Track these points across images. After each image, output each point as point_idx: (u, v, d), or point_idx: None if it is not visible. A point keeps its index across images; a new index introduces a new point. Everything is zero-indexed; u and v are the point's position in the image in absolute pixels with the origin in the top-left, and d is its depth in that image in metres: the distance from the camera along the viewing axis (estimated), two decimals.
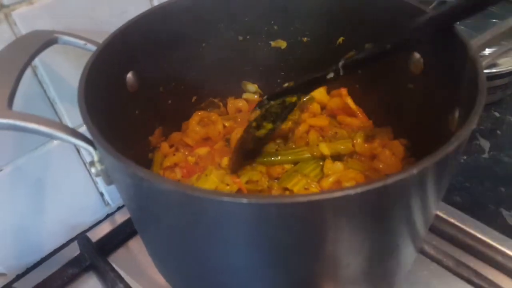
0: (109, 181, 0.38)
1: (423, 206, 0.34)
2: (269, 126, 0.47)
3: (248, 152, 0.50)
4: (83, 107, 0.35)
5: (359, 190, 0.27)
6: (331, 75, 0.44)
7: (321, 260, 0.33)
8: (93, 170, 0.38)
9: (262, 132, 0.47)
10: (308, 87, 0.46)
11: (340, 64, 0.43)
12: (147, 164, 0.54)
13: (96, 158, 0.37)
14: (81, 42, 0.45)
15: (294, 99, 0.46)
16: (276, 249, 0.31)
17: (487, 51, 0.41)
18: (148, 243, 0.42)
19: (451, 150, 0.29)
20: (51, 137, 0.35)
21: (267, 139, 0.50)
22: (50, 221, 0.59)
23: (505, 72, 0.70)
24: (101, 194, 0.63)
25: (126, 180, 0.33)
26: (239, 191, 0.48)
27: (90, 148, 0.36)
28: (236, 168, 0.50)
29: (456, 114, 0.39)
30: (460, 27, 0.39)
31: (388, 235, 0.34)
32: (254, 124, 0.48)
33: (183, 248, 0.36)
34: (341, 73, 0.43)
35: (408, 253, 0.40)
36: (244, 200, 0.27)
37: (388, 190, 0.28)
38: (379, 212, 0.30)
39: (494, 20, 0.56)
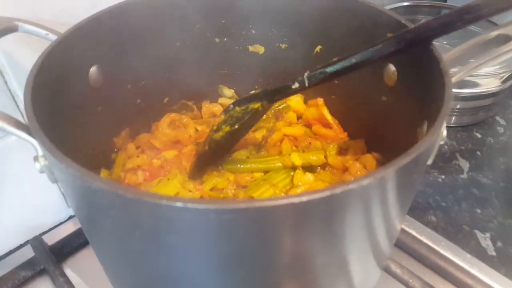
0: (53, 179, 0.36)
1: (382, 219, 0.32)
2: (227, 128, 0.46)
3: (206, 157, 0.48)
4: (27, 96, 0.33)
5: (304, 198, 0.25)
6: (296, 85, 0.43)
7: (269, 273, 0.30)
8: (37, 165, 0.35)
9: (219, 135, 0.46)
10: (274, 95, 0.45)
11: (306, 75, 0.42)
12: (109, 165, 0.51)
13: (40, 153, 0.35)
14: (43, 32, 0.43)
15: (257, 105, 0.45)
16: (219, 257, 0.29)
17: (461, 66, 0.40)
18: (93, 246, 0.40)
19: (407, 161, 0.28)
20: None
21: (227, 144, 0.48)
22: (7, 221, 0.56)
23: (487, 93, 0.69)
24: (63, 195, 0.60)
25: (62, 177, 0.30)
26: (201, 198, 0.45)
27: (33, 141, 0.34)
28: (194, 174, 0.48)
29: (425, 127, 0.38)
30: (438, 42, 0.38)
31: (343, 247, 0.31)
32: (214, 127, 0.47)
33: (126, 253, 0.34)
34: (307, 84, 0.42)
35: (370, 269, 0.38)
36: (179, 204, 0.25)
37: (337, 199, 0.26)
38: (329, 223, 0.28)
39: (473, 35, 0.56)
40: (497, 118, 0.75)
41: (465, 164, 0.68)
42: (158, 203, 0.25)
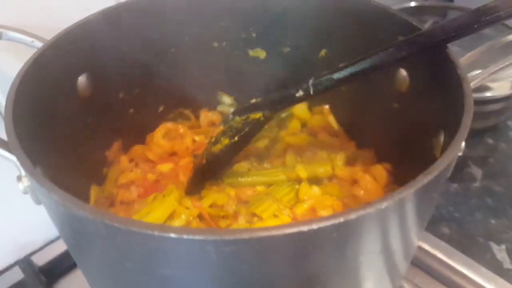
0: (37, 200, 0.32)
1: (400, 240, 0.29)
2: (226, 141, 0.43)
3: (204, 171, 0.45)
4: (8, 110, 0.30)
5: (314, 226, 0.22)
6: (300, 93, 0.40)
7: None
8: (20, 186, 0.32)
9: (217, 148, 0.43)
10: (276, 104, 0.42)
11: (310, 82, 0.39)
12: (101, 181, 0.48)
13: (23, 172, 0.32)
14: (28, 39, 0.40)
15: (258, 115, 0.42)
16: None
17: (478, 71, 0.37)
18: (83, 273, 0.36)
19: (427, 180, 0.25)
20: None
21: (226, 157, 0.45)
22: None
23: (499, 97, 0.66)
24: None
25: (46, 201, 0.27)
26: (200, 216, 0.42)
27: (16, 160, 0.31)
28: (191, 189, 0.45)
29: (441, 138, 0.35)
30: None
31: (357, 274, 0.28)
32: (213, 139, 0.44)
33: (117, 283, 0.30)
34: (312, 92, 0.39)
35: None
36: (173, 235, 0.21)
37: (351, 225, 0.23)
38: (342, 250, 0.25)
39: (487, 39, 0.53)
40: (509, 123, 0.72)
41: (477, 172, 0.65)
42: (150, 233, 0.22)
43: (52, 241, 0.57)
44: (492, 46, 0.38)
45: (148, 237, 0.22)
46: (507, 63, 0.36)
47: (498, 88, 0.66)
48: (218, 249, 0.22)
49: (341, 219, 0.22)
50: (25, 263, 0.50)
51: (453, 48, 0.36)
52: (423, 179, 0.24)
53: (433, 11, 0.86)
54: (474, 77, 0.36)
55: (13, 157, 0.30)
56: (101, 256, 0.27)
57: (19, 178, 0.32)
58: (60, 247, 0.55)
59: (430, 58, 0.37)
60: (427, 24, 0.84)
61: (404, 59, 0.37)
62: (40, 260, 0.53)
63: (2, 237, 0.53)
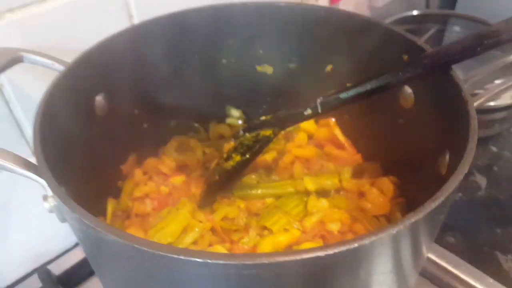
0: (62, 219, 0.34)
1: (411, 258, 0.31)
2: (237, 158, 0.44)
3: (216, 186, 0.46)
4: (36, 136, 0.32)
5: (330, 251, 0.23)
6: (308, 112, 0.41)
7: None
8: (46, 205, 0.34)
9: (229, 164, 0.44)
10: (286, 122, 0.43)
11: (319, 101, 0.41)
12: (117, 193, 0.50)
13: (49, 193, 0.33)
14: (49, 62, 0.42)
15: (269, 132, 0.43)
16: None
17: (480, 90, 0.38)
18: (102, 283, 0.38)
19: (437, 204, 0.26)
20: None
21: (237, 172, 0.47)
22: (14, 249, 0.54)
23: (502, 106, 0.67)
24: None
25: (74, 224, 0.29)
26: (212, 229, 0.44)
27: (43, 181, 0.33)
28: (203, 203, 0.47)
29: (446, 155, 0.36)
30: None
31: None
32: (225, 155, 0.45)
33: None
34: (320, 111, 0.40)
35: None
36: (198, 259, 0.23)
37: (365, 249, 0.25)
38: (356, 272, 0.27)
39: (497, 53, 0.54)
40: None
41: (482, 180, 0.66)
42: (176, 257, 0.24)
43: (68, 250, 0.59)
44: (495, 66, 0.39)
45: (174, 261, 0.24)
46: (510, 83, 0.37)
47: (501, 97, 0.68)
48: (239, 272, 0.24)
49: (355, 245, 0.24)
50: (43, 272, 0.52)
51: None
52: (432, 204, 0.26)
53: (435, 19, 0.87)
54: (478, 96, 0.37)
55: (42, 180, 0.32)
56: (126, 274, 0.29)
57: (45, 198, 0.34)
58: (76, 256, 0.57)
59: (435, 78, 0.38)
60: (431, 32, 0.86)
61: (409, 80, 0.39)
62: (57, 269, 0.54)
63: (20, 246, 0.55)
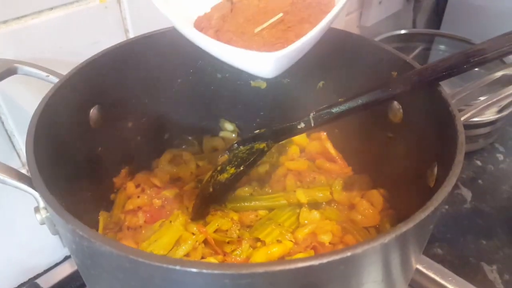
0: (54, 231, 0.34)
1: (400, 267, 0.31)
2: (232, 170, 0.45)
3: (210, 198, 0.47)
4: (29, 148, 0.32)
5: (324, 260, 0.24)
6: (302, 125, 0.42)
7: None
8: (37, 217, 0.34)
9: (224, 176, 0.45)
10: (279, 135, 0.44)
11: (311, 115, 0.42)
12: (109, 206, 0.50)
13: (41, 204, 0.33)
14: (43, 74, 0.42)
15: (262, 145, 0.44)
16: None
17: (469, 103, 0.40)
18: None
19: (426, 214, 0.27)
20: None
21: (231, 185, 0.47)
22: (1, 263, 0.53)
23: (487, 121, 0.70)
24: (59, 235, 0.58)
25: (67, 235, 0.29)
26: (205, 241, 0.44)
27: (35, 193, 0.33)
28: (196, 215, 0.47)
29: (435, 168, 0.38)
30: None
31: None
32: (219, 168, 0.46)
33: None
34: (313, 125, 0.41)
35: None
36: (194, 269, 0.23)
37: (358, 258, 0.25)
38: (348, 280, 0.27)
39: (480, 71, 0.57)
40: (496, 145, 0.76)
41: (467, 193, 0.67)
42: (172, 268, 0.24)
43: (57, 264, 0.58)
44: (480, 83, 0.41)
45: (169, 271, 0.24)
46: (494, 99, 0.39)
47: (485, 113, 0.70)
48: (235, 282, 0.24)
49: (348, 253, 0.24)
50: (31, 286, 0.51)
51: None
52: (422, 214, 0.27)
53: (421, 38, 0.90)
54: (463, 112, 0.39)
55: (34, 192, 0.31)
56: (120, 287, 0.29)
57: (36, 210, 0.34)
58: (65, 270, 0.56)
59: (423, 94, 0.40)
60: (417, 50, 0.89)
61: (398, 95, 0.40)
62: (45, 283, 0.53)
63: (7, 260, 0.54)
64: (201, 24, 0.34)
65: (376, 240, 0.25)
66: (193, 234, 0.44)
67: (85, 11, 0.47)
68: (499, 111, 0.69)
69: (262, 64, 0.30)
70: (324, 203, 0.51)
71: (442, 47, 0.88)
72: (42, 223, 0.34)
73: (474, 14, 0.97)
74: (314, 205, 0.50)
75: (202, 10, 0.35)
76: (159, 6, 0.32)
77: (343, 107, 0.41)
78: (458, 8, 1.01)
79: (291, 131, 0.44)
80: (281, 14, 0.33)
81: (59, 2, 0.45)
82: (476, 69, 0.38)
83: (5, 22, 0.43)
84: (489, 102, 0.40)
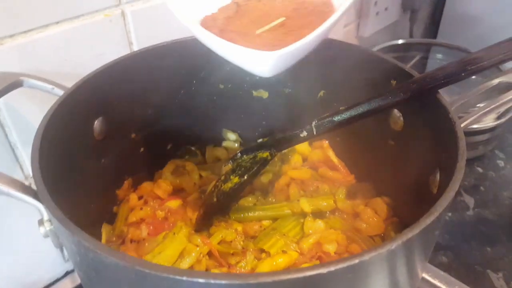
0: (58, 244, 0.34)
1: (407, 275, 0.31)
2: (236, 179, 0.45)
3: (214, 208, 0.47)
4: (35, 160, 0.32)
5: (332, 268, 0.24)
6: (304, 134, 0.43)
7: None
8: (41, 229, 0.34)
9: (228, 186, 0.45)
10: (282, 144, 0.45)
11: (314, 123, 0.42)
12: (112, 219, 0.49)
13: (45, 217, 0.33)
14: (49, 86, 0.42)
15: (266, 154, 0.44)
16: None
17: (468, 111, 0.40)
18: None
19: (431, 220, 0.27)
20: None
21: (235, 194, 0.47)
22: (1, 279, 0.53)
23: (485, 128, 0.70)
24: (61, 249, 0.57)
25: (72, 247, 0.29)
26: (209, 253, 0.44)
27: (39, 205, 0.33)
28: (200, 227, 0.47)
29: (437, 175, 0.38)
30: None
31: None
32: (222, 177, 0.46)
33: None
34: (315, 133, 0.42)
35: None
36: (201, 280, 0.23)
37: (365, 265, 0.25)
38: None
39: (478, 78, 0.58)
40: (496, 151, 0.76)
41: (470, 200, 0.67)
42: (179, 279, 0.24)
43: (57, 280, 0.58)
44: (477, 90, 0.42)
45: (176, 282, 0.24)
46: (492, 106, 0.39)
47: (484, 120, 0.71)
48: None
49: (356, 261, 0.24)
50: None
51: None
52: (427, 220, 0.27)
53: (419, 47, 0.92)
54: (462, 119, 0.39)
55: (39, 204, 0.31)
56: None
57: (40, 223, 0.34)
58: (65, 286, 0.56)
59: (422, 102, 0.40)
60: (415, 59, 0.90)
61: (398, 103, 0.41)
62: None
63: (7, 276, 0.53)
64: (207, 23, 0.35)
65: (383, 246, 0.25)
66: (197, 246, 0.44)
67: (90, 24, 0.48)
68: (497, 118, 0.70)
69: (260, 62, 0.31)
70: (328, 212, 0.51)
71: (439, 56, 0.89)
72: (46, 236, 0.34)
73: (469, 24, 0.99)
74: (318, 214, 0.50)
75: (210, 11, 0.36)
76: (169, 4, 0.33)
77: (344, 115, 0.41)
78: (453, 18, 1.03)
79: (294, 140, 0.44)
80: (283, 19, 0.34)
81: (65, 16, 0.46)
82: (473, 77, 0.39)
83: (11, 36, 0.44)
84: (487, 109, 0.40)
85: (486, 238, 0.62)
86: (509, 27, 0.84)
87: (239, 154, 0.46)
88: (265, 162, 0.45)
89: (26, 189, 0.33)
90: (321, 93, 0.54)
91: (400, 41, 0.89)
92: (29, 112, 0.48)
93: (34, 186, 0.32)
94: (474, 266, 0.58)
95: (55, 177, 0.35)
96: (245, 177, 0.44)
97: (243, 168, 0.45)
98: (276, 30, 0.34)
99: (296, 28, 0.32)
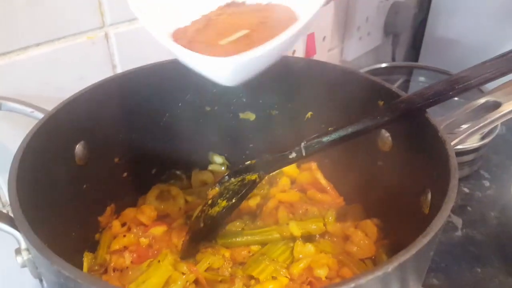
0: (36, 274, 0.32)
1: None
2: (223, 203, 0.44)
3: (200, 234, 0.45)
4: (12, 187, 0.30)
5: None
6: (293, 155, 0.42)
7: None
8: (18, 259, 0.32)
9: (215, 210, 0.44)
10: (271, 166, 0.44)
11: (302, 145, 0.42)
12: (93, 246, 0.47)
13: (23, 246, 0.31)
14: (28, 110, 0.41)
15: (254, 177, 0.44)
16: None
17: (453, 131, 0.41)
18: None
19: (426, 241, 0.27)
20: None
21: (222, 218, 0.46)
22: None
23: (470, 149, 0.71)
24: (40, 280, 0.54)
25: (52, 278, 0.27)
26: (196, 281, 0.42)
27: (17, 234, 0.31)
28: (186, 254, 0.45)
29: (428, 195, 0.37)
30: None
31: None
32: (209, 201, 0.44)
33: None
34: (304, 154, 0.42)
35: None
36: None
37: None
38: None
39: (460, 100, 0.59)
40: (482, 171, 0.77)
41: (458, 221, 0.67)
42: None
43: None
44: (462, 111, 0.42)
45: None
46: (477, 127, 0.40)
47: (469, 140, 0.72)
48: None
49: (352, 285, 0.23)
50: None
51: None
52: (423, 240, 0.26)
53: (401, 70, 0.94)
54: (449, 139, 0.39)
55: (16, 232, 0.30)
56: None
57: (17, 252, 0.32)
58: None
59: (411, 122, 0.41)
60: (398, 82, 0.92)
61: (387, 123, 0.41)
62: None
63: None
64: (178, 35, 0.36)
65: (379, 269, 0.24)
66: (183, 273, 0.42)
67: (72, 46, 0.47)
68: (482, 138, 0.71)
69: (219, 68, 0.32)
70: (318, 235, 0.50)
71: (421, 78, 0.92)
72: (24, 266, 0.32)
73: (449, 47, 1.03)
74: (307, 237, 0.49)
75: (183, 23, 0.37)
76: (137, 14, 0.33)
77: (333, 136, 0.41)
78: (434, 42, 1.07)
79: (283, 161, 0.43)
80: (247, 31, 0.35)
81: (46, 38, 0.45)
82: (455, 98, 0.40)
83: None
84: (472, 129, 0.41)
85: (475, 258, 0.61)
86: (488, 48, 0.87)
87: (226, 177, 0.45)
88: (253, 184, 0.44)
89: (3, 217, 0.31)
90: (309, 114, 0.54)
91: (383, 65, 0.91)
92: (7, 136, 0.46)
93: (12, 214, 0.30)
94: (465, 287, 0.57)
95: (33, 203, 0.33)
96: (233, 201, 0.43)
97: (231, 192, 0.44)
98: (241, 42, 0.35)
99: (261, 40, 0.33)
